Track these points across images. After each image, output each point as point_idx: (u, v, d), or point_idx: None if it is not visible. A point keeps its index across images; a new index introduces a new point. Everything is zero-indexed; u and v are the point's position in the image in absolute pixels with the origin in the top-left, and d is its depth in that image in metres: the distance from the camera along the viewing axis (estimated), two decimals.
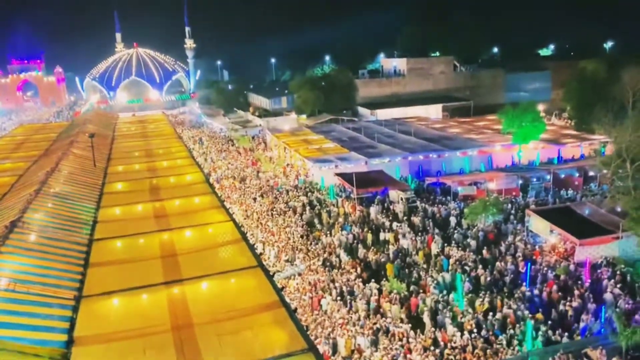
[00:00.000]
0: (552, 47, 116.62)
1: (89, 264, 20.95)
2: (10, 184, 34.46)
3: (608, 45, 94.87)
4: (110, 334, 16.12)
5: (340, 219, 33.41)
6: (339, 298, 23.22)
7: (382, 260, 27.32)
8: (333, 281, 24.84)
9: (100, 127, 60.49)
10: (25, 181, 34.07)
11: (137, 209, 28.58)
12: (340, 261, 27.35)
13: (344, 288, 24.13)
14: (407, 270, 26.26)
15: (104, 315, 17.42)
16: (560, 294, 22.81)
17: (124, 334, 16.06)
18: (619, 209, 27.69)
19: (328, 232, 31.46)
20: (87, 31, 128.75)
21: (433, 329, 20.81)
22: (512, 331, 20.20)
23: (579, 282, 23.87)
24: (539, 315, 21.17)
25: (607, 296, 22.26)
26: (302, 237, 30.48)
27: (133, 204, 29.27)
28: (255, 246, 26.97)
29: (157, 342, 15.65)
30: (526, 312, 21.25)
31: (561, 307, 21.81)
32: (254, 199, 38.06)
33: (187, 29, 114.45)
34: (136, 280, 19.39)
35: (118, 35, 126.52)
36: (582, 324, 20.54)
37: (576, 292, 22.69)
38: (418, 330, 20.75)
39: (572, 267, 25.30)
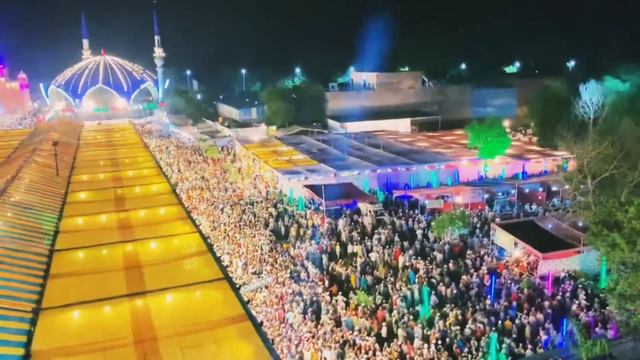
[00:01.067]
0: (517, 64, 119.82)
1: (49, 275, 20.40)
2: None
3: (571, 64, 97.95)
4: (70, 347, 15.70)
5: (309, 231, 33.32)
6: (305, 311, 23.07)
7: (350, 272, 27.30)
8: (300, 294, 24.68)
9: (64, 135, 59.22)
10: None
11: (101, 219, 28.05)
12: (307, 274, 27.22)
13: (311, 301, 23.99)
14: (374, 283, 26.28)
15: (64, 328, 16.95)
16: (525, 306, 23.17)
17: (84, 347, 15.67)
18: (580, 224, 28.45)
19: (296, 244, 31.32)
20: (52, 36, 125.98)
21: (399, 341, 20.84)
22: (476, 344, 20.39)
23: (542, 295, 24.31)
24: (508, 323, 21.44)
25: (569, 309, 22.73)
26: (270, 249, 30.25)
27: (97, 214, 28.72)
28: (222, 258, 26.66)
29: (119, 355, 15.33)
30: (489, 326, 21.48)
31: (524, 320, 22.15)
32: (222, 210, 37.66)
33: (156, 37, 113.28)
34: (98, 292, 18.98)
35: (85, 42, 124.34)
36: (544, 337, 20.88)
37: (541, 304, 23.09)
38: (385, 344, 20.75)
39: (535, 280, 25.79)
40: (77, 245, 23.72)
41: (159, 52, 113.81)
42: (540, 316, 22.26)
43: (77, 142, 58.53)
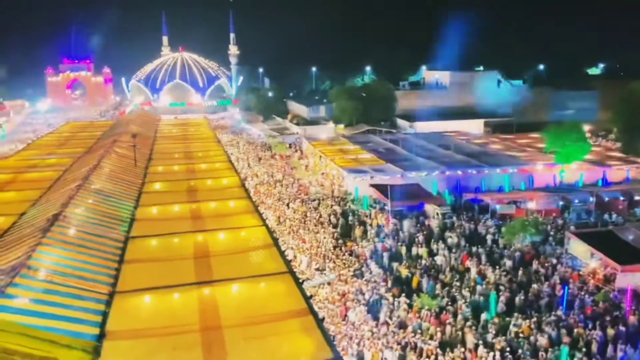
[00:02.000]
0: (601, 66, 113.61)
1: (124, 260, 21.39)
2: (54, 179, 35.64)
3: None
4: (140, 330, 16.39)
5: (373, 231, 33.13)
6: (368, 311, 22.96)
7: (414, 274, 26.93)
8: (362, 293, 24.60)
9: (142, 128, 62.03)
10: (69, 176, 35.15)
11: (173, 209, 29.11)
12: (371, 273, 27.07)
13: (373, 301, 23.85)
14: (439, 287, 25.76)
15: (136, 311, 17.73)
16: (598, 320, 21.98)
17: (154, 331, 16.30)
18: None
19: (360, 243, 31.23)
20: (135, 34, 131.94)
21: (463, 348, 20.33)
22: (544, 355, 19.55)
23: (619, 309, 22.95)
24: (580, 335, 20.41)
25: None
26: (333, 247, 30.34)
27: (170, 204, 29.83)
28: (286, 253, 27.01)
29: (186, 341, 15.83)
30: (561, 337, 20.53)
31: (598, 334, 20.99)
32: (287, 205, 38.17)
33: (231, 35, 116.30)
34: (169, 278, 19.69)
35: (165, 39, 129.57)
36: (619, 354, 19.71)
37: (618, 319, 21.83)
38: (447, 349, 20.30)
39: (613, 294, 24.37)
40: (151, 233, 24.75)
41: (233, 49, 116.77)
42: (615, 331, 21.03)
43: (155, 134, 61.13)
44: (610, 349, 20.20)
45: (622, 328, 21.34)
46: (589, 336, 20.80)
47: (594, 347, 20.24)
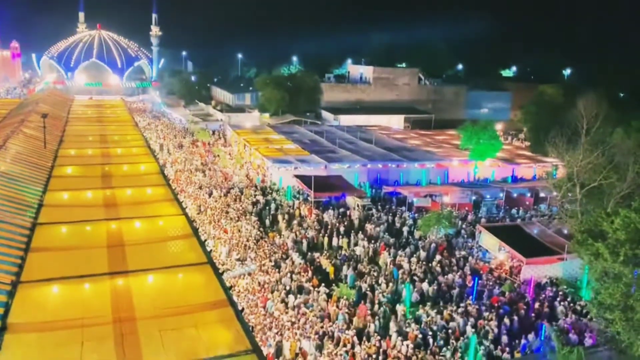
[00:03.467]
0: (514, 68, 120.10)
1: (30, 248, 20.08)
2: None
3: (567, 72, 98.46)
4: (46, 323, 15.46)
5: (296, 221, 33.24)
6: (287, 300, 23.04)
7: (333, 265, 27.31)
8: (282, 283, 24.64)
9: (54, 108, 58.45)
10: None
11: (86, 195, 27.66)
12: (292, 263, 27.16)
13: (293, 290, 23.97)
14: (357, 276, 26.28)
15: (42, 302, 16.71)
16: (502, 310, 23.30)
17: (61, 324, 15.43)
18: (565, 231, 28.65)
19: (282, 234, 31.24)
20: (48, 7, 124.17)
21: (379, 337, 20.88)
22: (455, 344, 20.48)
23: (523, 299, 24.48)
24: (487, 325, 21.52)
25: (548, 315, 22.92)
26: (255, 236, 30.13)
27: (82, 190, 28.31)
28: (206, 243, 26.49)
29: (96, 333, 15.11)
30: (469, 326, 21.60)
31: (503, 323, 22.27)
32: (209, 194, 37.44)
33: (154, 15, 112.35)
34: (79, 268, 18.70)
35: (81, 15, 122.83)
36: (522, 341, 21.03)
37: (521, 309, 23.26)
38: (363, 338, 20.77)
39: (517, 284, 25.94)
40: (61, 220, 23.35)
41: (155, 30, 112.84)
42: (518, 320, 22.42)
43: (67, 115, 57.76)
44: (507, 338, 21.41)
45: (524, 317, 22.79)
46: (491, 326, 21.95)
47: (495, 336, 21.42)
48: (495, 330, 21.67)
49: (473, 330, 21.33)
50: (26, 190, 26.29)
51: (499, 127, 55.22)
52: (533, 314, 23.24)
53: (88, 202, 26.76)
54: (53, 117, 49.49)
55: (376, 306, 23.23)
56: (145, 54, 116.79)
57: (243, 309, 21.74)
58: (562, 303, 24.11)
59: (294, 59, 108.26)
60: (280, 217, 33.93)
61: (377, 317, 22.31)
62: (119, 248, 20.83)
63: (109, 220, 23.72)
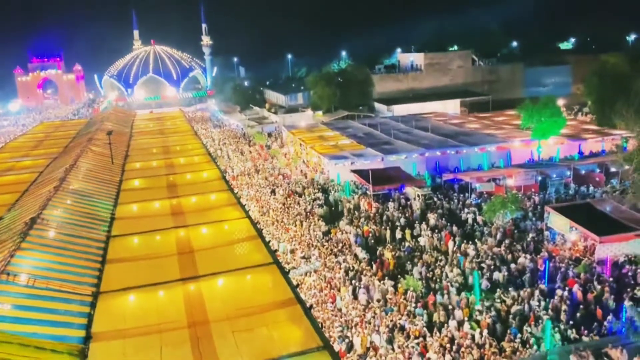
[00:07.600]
0: (572, 40, 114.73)
1: (106, 260, 21.13)
2: (30, 181, 34.97)
3: (631, 38, 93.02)
4: (127, 330, 16.23)
5: (356, 216, 33.23)
6: (354, 296, 23.12)
7: (398, 257, 27.14)
8: (349, 278, 24.73)
9: (118, 125, 61.12)
10: (45, 178, 34.51)
11: (154, 206, 28.78)
12: (356, 258, 27.22)
13: (360, 285, 24.01)
14: (423, 267, 26.00)
15: (121, 311, 17.54)
16: (580, 291, 22.41)
17: (140, 330, 16.15)
18: None
19: (344, 229, 31.33)
20: (105, 29, 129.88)
21: (450, 327, 20.59)
22: (529, 329, 19.90)
23: (600, 280, 23.43)
24: (563, 308, 20.78)
25: (629, 295, 21.83)
26: (317, 234, 30.39)
27: (150, 201, 29.47)
28: (271, 243, 26.99)
29: (174, 338, 15.72)
30: (544, 311, 20.91)
31: (581, 305, 21.43)
32: (270, 195, 38.07)
33: (203, 25, 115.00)
34: (153, 276, 19.50)
35: (135, 33, 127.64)
36: (605, 323, 20.14)
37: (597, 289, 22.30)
38: (434, 328, 20.55)
39: (592, 265, 24.86)
40: (132, 231, 24.43)
41: (206, 40, 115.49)
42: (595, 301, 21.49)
43: (130, 130, 60.26)
44: (585, 320, 20.55)
45: (603, 298, 21.82)
46: (567, 308, 21.11)
47: (580, 318, 20.61)
48: (571, 313, 20.87)
49: (547, 315, 20.63)
50: (99, 205, 27.67)
51: (560, 102, 52.85)
52: (612, 295, 22.18)
53: (156, 212, 27.83)
54: (118, 133, 51.79)
55: (445, 296, 22.90)
56: (198, 63, 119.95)
57: (312, 306, 22.00)
58: None
59: (343, 53, 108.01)
60: (340, 213, 34.01)
61: (447, 308, 21.99)
62: (188, 254, 21.58)
63: (177, 228, 24.60)
